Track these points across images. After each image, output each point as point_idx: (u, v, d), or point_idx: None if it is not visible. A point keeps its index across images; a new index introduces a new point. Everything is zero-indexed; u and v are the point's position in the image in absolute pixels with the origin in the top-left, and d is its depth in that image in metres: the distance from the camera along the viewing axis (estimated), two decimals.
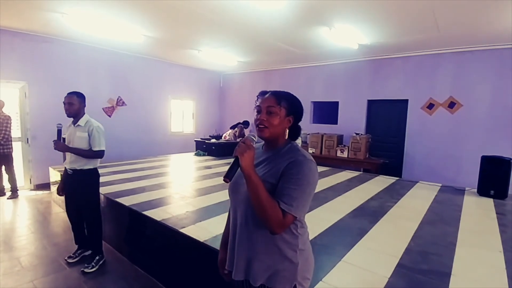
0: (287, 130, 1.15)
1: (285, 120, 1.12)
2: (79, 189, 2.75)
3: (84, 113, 2.77)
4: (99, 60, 6.40)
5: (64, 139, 2.75)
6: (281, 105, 1.11)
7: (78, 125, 2.70)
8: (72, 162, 2.70)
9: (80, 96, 2.72)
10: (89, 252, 2.94)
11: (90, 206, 2.81)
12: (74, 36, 5.56)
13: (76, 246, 2.97)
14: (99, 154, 2.74)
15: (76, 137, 2.67)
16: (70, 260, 2.85)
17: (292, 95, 1.18)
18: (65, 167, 2.82)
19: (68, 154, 2.73)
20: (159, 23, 4.64)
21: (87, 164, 2.73)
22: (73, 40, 5.82)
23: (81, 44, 6.02)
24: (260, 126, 1.12)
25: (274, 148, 1.16)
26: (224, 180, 1.02)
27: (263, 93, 1.17)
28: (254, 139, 1.09)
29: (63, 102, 2.67)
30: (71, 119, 2.76)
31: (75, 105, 2.67)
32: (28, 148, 5.50)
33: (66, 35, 5.47)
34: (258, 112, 1.13)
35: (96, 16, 4.33)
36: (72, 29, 5.02)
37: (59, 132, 2.70)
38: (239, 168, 1.00)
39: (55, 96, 5.49)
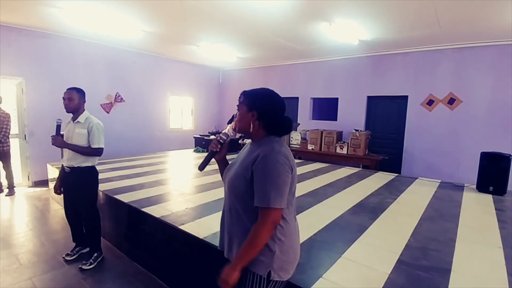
0: (253, 125, 1.20)
1: (247, 115, 1.20)
2: (77, 187, 2.71)
3: (84, 110, 2.73)
4: (97, 56, 6.34)
5: (62, 135, 2.71)
6: (241, 102, 1.23)
7: (78, 121, 2.66)
8: (70, 159, 2.66)
9: (80, 92, 2.69)
10: (87, 249, 2.92)
11: (87, 204, 2.77)
12: (72, 32, 5.50)
13: (74, 244, 2.95)
14: (98, 152, 2.69)
15: (75, 134, 2.63)
16: (68, 258, 2.83)
17: (257, 90, 1.25)
18: (62, 165, 2.79)
19: (66, 151, 2.69)
20: (158, 18, 4.59)
21: (86, 162, 2.69)
22: (71, 35, 5.76)
23: (78, 40, 5.96)
24: None
25: (254, 142, 1.25)
26: (199, 169, 1.34)
27: None
28: (228, 134, 1.33)
29: (63, 97, 2.63)
30: (70, 115, 2.72)
31: (75, 100, 2.63)
32: (26, 145, 5.47)
33: (64, 30, 5.41)
34: None
35: (94, 11, 4.27)
36: (70, 24, 4.97)
37: (58, 127, 2.67)
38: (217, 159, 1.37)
39: (52, 92, 5.47)
